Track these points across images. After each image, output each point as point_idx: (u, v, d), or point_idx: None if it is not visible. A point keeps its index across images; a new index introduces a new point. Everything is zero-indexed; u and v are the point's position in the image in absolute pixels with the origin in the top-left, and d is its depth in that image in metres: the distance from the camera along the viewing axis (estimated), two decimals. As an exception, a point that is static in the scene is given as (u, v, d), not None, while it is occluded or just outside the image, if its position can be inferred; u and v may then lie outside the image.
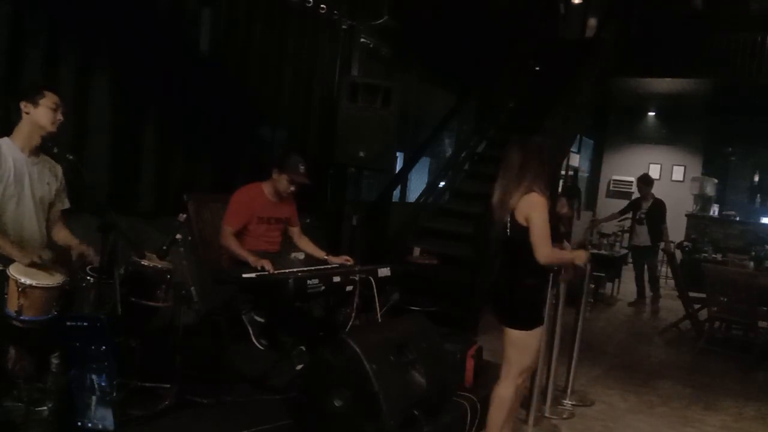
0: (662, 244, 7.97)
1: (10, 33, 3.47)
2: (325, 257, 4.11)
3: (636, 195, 12.19)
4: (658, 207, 8.11)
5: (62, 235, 3.12)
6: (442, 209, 7.38)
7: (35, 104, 2.91)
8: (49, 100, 2.93)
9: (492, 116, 8.37)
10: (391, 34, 6.55)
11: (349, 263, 3.98)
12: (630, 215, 8.38)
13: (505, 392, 3.21)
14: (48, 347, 2.81)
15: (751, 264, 7.18)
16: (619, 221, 9.38)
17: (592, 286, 7.34)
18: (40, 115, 2.92)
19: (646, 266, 8.43)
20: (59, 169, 3.12)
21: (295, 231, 4.27)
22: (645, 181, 8.27)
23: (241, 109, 4.94)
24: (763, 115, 10.86)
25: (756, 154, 12.30)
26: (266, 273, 3.65)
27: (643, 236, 8.09)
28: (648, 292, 8.44)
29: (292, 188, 4.03)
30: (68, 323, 2.69)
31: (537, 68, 9.06)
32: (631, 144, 13.26)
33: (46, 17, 3.61)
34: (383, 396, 2.86)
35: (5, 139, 2.91)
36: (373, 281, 3.72)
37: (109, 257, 2.82)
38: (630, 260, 9.63)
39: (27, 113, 2.91)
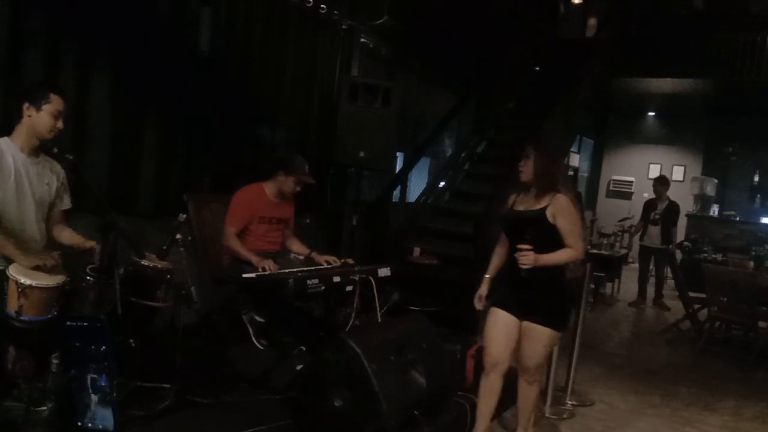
0: (671, 247, 7.98)
1: (10, 33, 3.46)
2: (310, 255, 4.14)
3: (636, 195, 12.19)
4: (674, 209, 8.11)
5: (66, 234, 3.11)
6: (442, 209, 7.38)
7: (38, 108, 2.86)
8: (53, 105, 2.87)
9: (492, 116, 8.37)
10: (391, 34, 6.55)
11: (334, 263, 3.99)
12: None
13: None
14: (48, 347, 2.81)
15: (751, 264, 7.18)
16: (618, 222, 9.39)
17: (592, 286, 7.33)
18: (41, 120, 2.87)
19: (653, 267, 8.41)
20: (60, 169, 3.10)
21: (287, 232, 4.30)
22: (662, 182, 8.25)
23: (241, 109, 4.94)
24: (763, 115, 10.85)
25: (756, 154, 12.28)
26: (267, 273, 3.66)
27: (655, 237, 8.08)
28: (651, 293, 8.45)
29: (298, 189, 4.07)
30: (68, 323, 2.69)
31: (537, 68, 9.06)
32: (631, 144, 13.25)
33: (46, 17, 3.61)
34: (383, 396, 2.86)
35: (5, 138, 2.89)
36: (373, 281, 3.72)
37: (109, 257, 2.82)
38: (630, 260, 9.61)
39: (28, 116, 2.87)
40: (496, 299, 3.25)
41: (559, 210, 3.05)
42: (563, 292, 3.23)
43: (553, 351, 4.17)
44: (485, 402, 3.26)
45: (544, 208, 3.08)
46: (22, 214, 2.91)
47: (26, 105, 2.86)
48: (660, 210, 8.10)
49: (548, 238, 3.05)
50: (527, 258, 2.99)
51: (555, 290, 3.16)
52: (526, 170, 3.17)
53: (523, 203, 3.21)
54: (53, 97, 2.89)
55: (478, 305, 3.34)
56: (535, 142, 3.24)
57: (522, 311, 3.16)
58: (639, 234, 8.43)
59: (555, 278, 3.14)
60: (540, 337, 3.14)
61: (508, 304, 3.19)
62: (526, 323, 3.15)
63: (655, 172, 12.11)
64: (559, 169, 3.20)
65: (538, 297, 3.13)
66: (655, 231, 8.09)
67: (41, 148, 2.97)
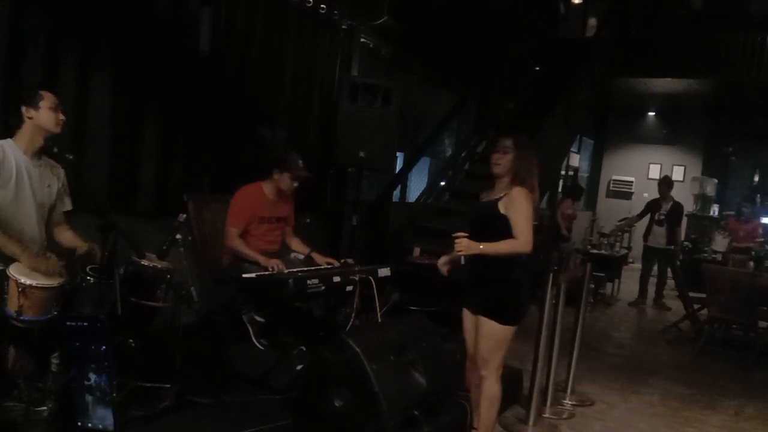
0: (674, 248, 7.99)
1: (10, 33, 3.46)
2: (310, 255, 4.17)
3: (636, 195, 12.17)
4: (678, 210, 8.11)
5: (66, 236, 3.11)
6: (442, 209, 7.37)
7: (36, 107, 2.88)
8: (47, 100, 2.90)
9: (492, 116, 8.37)
10: (391, 34, 6.55)
11: (334, 266, 3.99)
12: (648, 216, 8.36)
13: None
14: (48, 347, 2.81)
15: (751, 264, 7.18)
16: (618, 222, 9.38)
17: (592, 286, 7.34)
18: (43, 117, 2.89)
19: (656, 267, 8.42)
20: (62, 171, 3.10)
21: (287, 230, 4.31)
22: (666, 182, 8.27)
23: (241, 109, 4.94)
24: (763, 115, 10.86)
25: (756, 154, 12.30)
26: (266, 273, 3.66)
27: (660, 237, 8.09)
28: (651, 293, 8.45)
29: (295, 184, 4.08)
30: (68, 323, 2.69)
31: (537, 68, 9.06)
32: (631, 144, 13.26)
33: (46, 17, 3.61)
34: (383, 396, 2.86)
35: (8, 140, 2.90)
36: (373, 281, 3.73)
37: (109, 257, 2.82)
38: (630, 260, 9.60)
39: (30, 118, 2.88)
40: (462, 298, 3.34)
41: (510, 201, 3.07)
42: (512, 285, 3.15)
43: (553, 351, 4.20)
44: (472, 394, 3.39)
45: (498, 200, 3.12)
46: (22, 217, 2.91)
47: (24, 108, 2.88)
48: (665, 210, 8.10)
49: (498, 229, 3.06)
50: (460, 244, 3.05)
51: (501, 282, 3.13)
52: (503, 164, 3.16)
53: (487, 195, 3.26)
54: (44, 93, 2.92)
55: (443, 269, 3.39)
56: (516, 138, 3.20)
57: (473, 304, 3.24)
58: (631, 230, 8.42)
59: (501, 269, 3.11)
60: (482, 329, 3.15)
61: (467, 301, 3.30)
62: (477, 315, 3.19)
63: (655, 172, 12.12)
64: (534, 169, 3.15)
65: (484, 289, 3.18)
66: (660, 231, 8.09)
67: (44, 150, 2.98)
